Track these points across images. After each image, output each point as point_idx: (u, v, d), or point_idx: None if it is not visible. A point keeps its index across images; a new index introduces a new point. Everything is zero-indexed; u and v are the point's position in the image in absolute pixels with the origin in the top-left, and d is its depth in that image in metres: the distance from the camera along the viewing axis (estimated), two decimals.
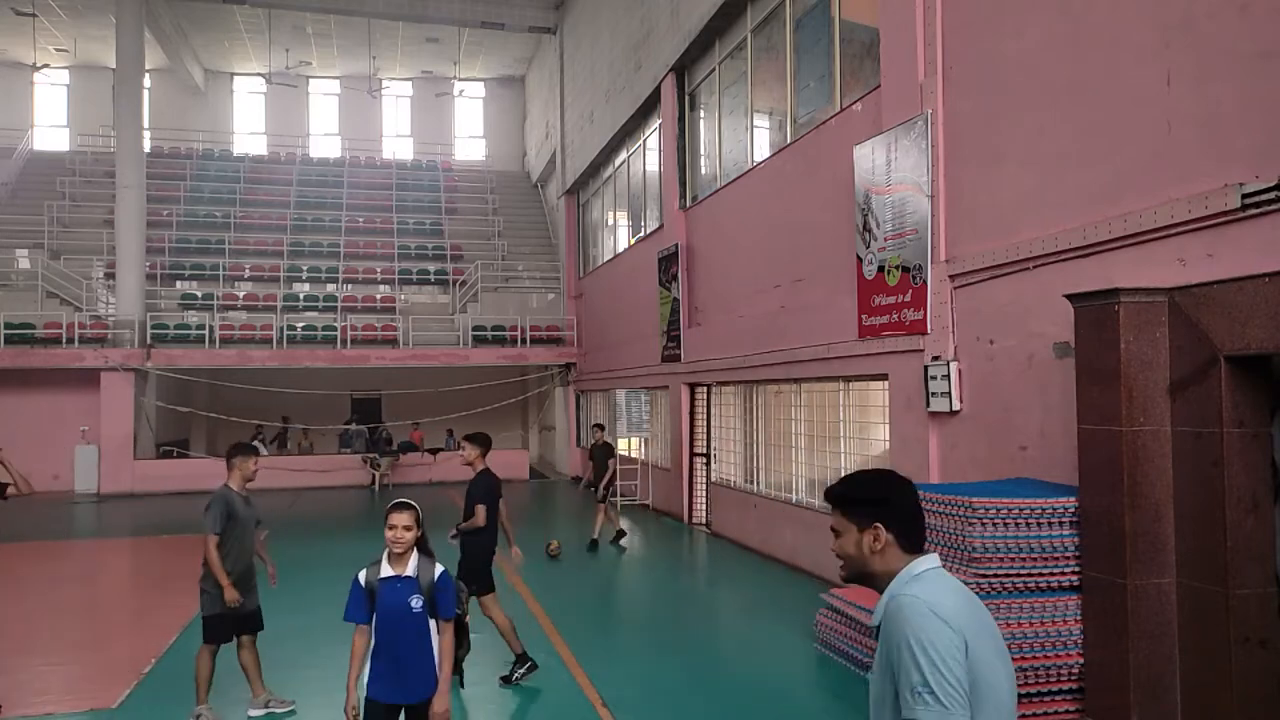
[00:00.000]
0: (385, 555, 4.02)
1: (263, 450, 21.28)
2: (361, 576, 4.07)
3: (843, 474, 9.63)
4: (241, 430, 22.03)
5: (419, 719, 3.94)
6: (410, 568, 3.98)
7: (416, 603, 3.93)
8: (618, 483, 12.67)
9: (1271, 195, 4.57)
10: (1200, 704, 4.78)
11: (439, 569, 4.00)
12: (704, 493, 13.91)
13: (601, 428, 13.00)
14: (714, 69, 13.54)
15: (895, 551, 2.12)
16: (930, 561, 2.12)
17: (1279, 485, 4.81)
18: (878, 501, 2.17)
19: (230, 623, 5.69)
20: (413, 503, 4.00)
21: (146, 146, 22.84)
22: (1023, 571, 5.42)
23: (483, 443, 6.68)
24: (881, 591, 2.14)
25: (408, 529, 3.94)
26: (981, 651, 1.94)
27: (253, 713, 5.84)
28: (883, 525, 2.13)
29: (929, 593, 1.99)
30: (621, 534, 12.60)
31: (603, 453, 12.52)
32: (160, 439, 20.94)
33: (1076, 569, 5.39)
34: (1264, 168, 4.65)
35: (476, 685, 6.54)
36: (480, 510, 6.46)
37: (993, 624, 2.06)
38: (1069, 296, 5.45)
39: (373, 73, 29.62)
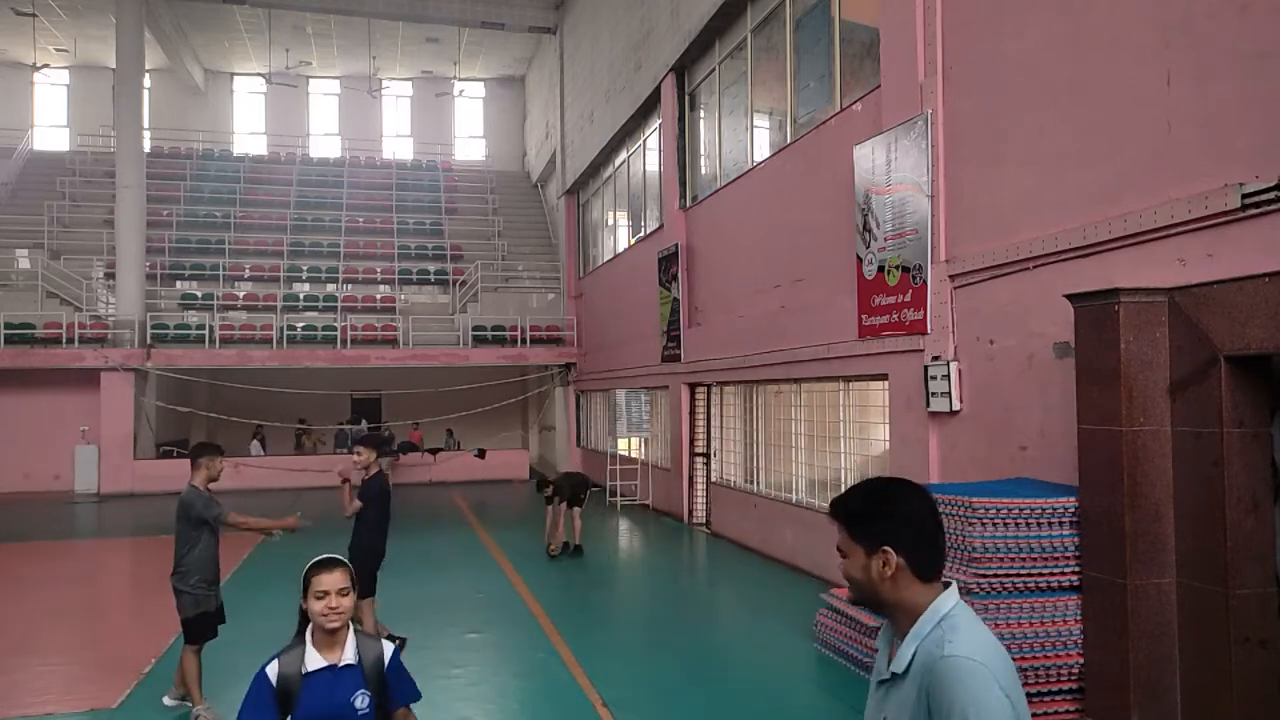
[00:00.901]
0: (309, 635, 2.89)
1: (259, 450, 21.29)
2: (272, 671, 2.81)
3: (843, 475, 9.70)
4: (241, 430, 22.06)
5: None
6: (349, 652, 2.86)
7: (362, 701, 2.81)
8: (584, 495, 11.91)
9: (1271, 195, 4.57)
10: (1200, 704, 4.78)
11: (386, 645, 2.97)
12: (704, 493, 13.91)
13: (546, 482, 11.96)
14: (714, 69, 13.54)
15: (908, 578, 1.87)
16: (953, 597, 1.89)
17: (1279, 485, 4.81)
18: (888, 518, 1.90)
19: (213, 620, 5.78)
20: (342, 559, 2.94)
21: (146, 146, 22.84)
22: (1023, 571, 5.42)
23: (376, 445, 7.11)
24: (893, 619, 1.93)
25: (343, 594, 2.84)
26: (1019, 702, 1.79)
27: (168, 701, 5.95)
28: (893, 549, 1.87)
29: (978, 650, 1.78)
30: (577, 548, 11.68)
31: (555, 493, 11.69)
32: (160, 439, 20.94)
33: (1076, 569, 5.39)
34: (1264, 168, 4.65)
35: (475, 685, 6.54)
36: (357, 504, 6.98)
37: (1013, 666, 1.88)
38: (1069, 296, 5.45)
39: (373, 73, 29.62)
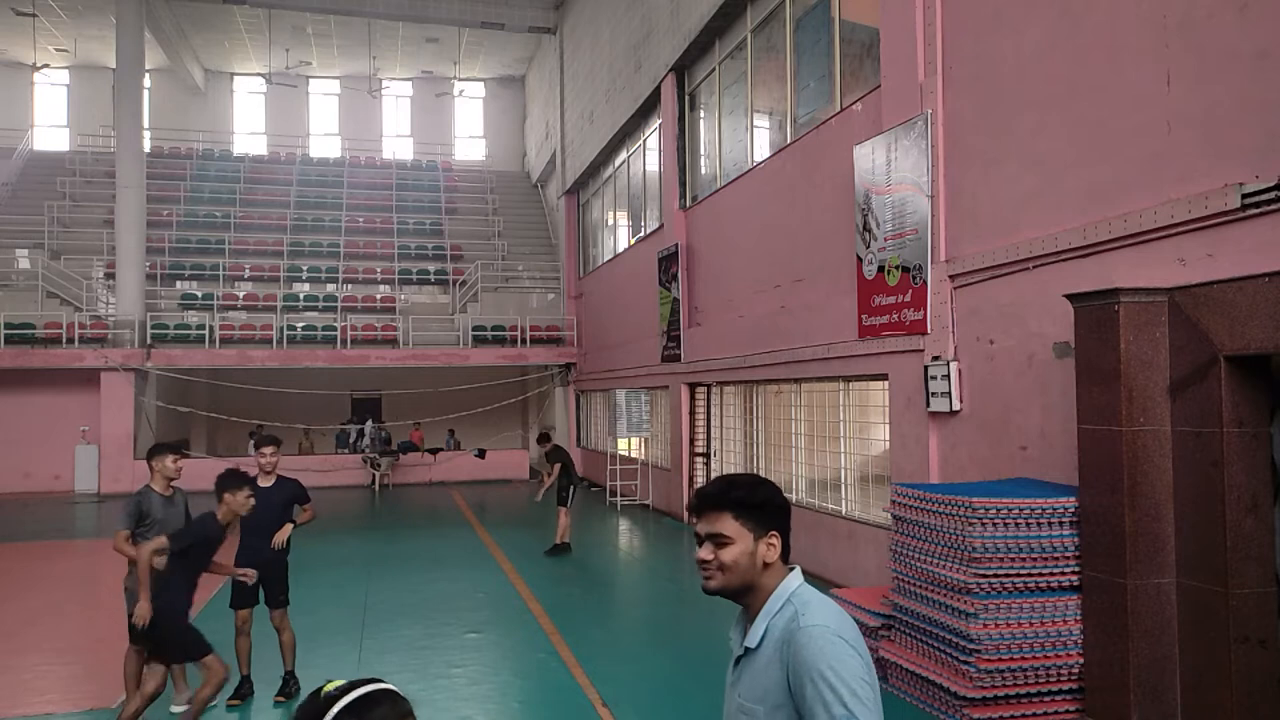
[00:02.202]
0: None
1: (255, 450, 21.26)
2: None
3: (843, 474, 9.70)
4: (242, 430, 22.06)
5: None
6: None
7: None
8: (575, 487, 11.95)
9: (1271, 195, 4.58)
10: (1200, 704, 4.79)
11: None
12: None
13: (547, 437, 12.34)
14: (714, 69, 13.54)
15: (779, 563, 2.03)
16: (799, 577, 2.04)
17: (1279, 485, 4.81)
18: (775, 505, 2.05)
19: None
20: None
21: (146, 146, 22.85)
22: (1023, 571, 5.42)
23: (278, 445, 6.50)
24: (748, 605, 2.04)
25: None
26: (872, 670, 1.93)
27: (175, 708, 5.84)
28: (779, 533, 2.03)
29: (828, 618, 1.92)
30: (565, 546, 11.67)
31: (555, 457, 11.92)
32: (160, 439, 20.91)
33: (1076, 569, 5.39)
34: (1264, 168, 4.65)
35: (476, 685, 6.54)
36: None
37: (861, 636, 2.00)
38: (1069, 296, 5.46)
39: (373, 73, 29.62)
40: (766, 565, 2.02)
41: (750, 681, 1.99)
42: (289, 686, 6.19)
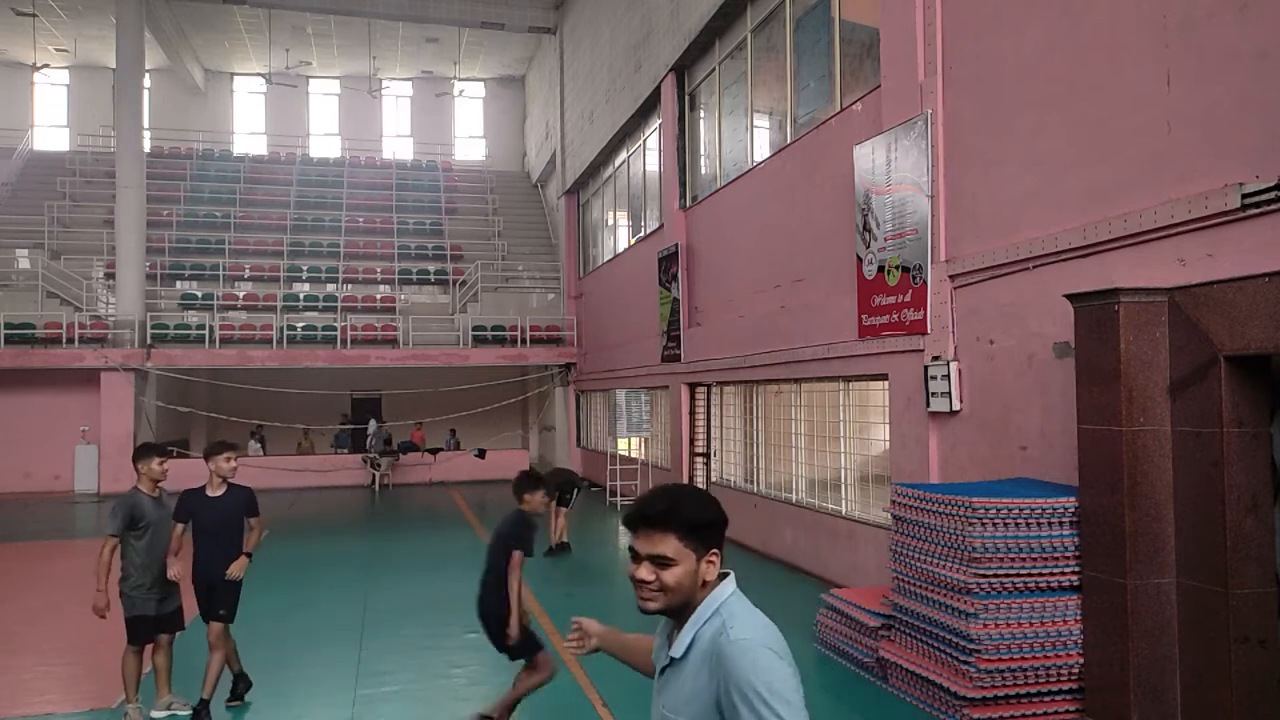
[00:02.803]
0: None
1: (253, 449, 21.26)
2: None
3: (843, 474, 9.69)
4: (242, 430, 22.06)
5: None
6: None
7: None
8: (572, 494, 11.93)
9: (1271, 195, 4.58)
10: (1200, 704, 4.79)
11: None
12: None
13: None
14: (714, 69, 13.54)
15: (717, 576, 1.97)
16: (730, 585, 1.98)
17: (1279, 485, 4.81)
18: (717, 523, 1.97)
19: (150, 624, 5.66)
20: None
21: (146, 146, 22.84)
22: (1023, 571, 5.42)
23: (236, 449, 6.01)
24: (681, 621, 1.96)
25: None
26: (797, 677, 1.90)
27: (155, 714, 5.80)
28: (719, 550, 1.96)
29: (755, 630, 1.88)
30: (564, 546, 11.77)
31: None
32: (160, 439, 20.93)
33: (1076, 569, 5.39)
34: (1264, 168, 4.65)
35: (476, 685, 6.54)
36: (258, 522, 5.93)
37: (786, 644, 1.96)
38: (1069, 296, 5.46)
39: (373, 73, 29.62)
40: (705, 583, 1.95)
41: (675, 691, 1.94)
42: (200, 716, 5.58)
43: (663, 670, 2.02)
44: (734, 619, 1.91)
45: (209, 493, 5.78)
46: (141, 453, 5.73)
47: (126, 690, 5.66)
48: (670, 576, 1.92)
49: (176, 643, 5.90)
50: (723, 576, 2.00)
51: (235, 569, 5.71)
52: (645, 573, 1.94)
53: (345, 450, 22.88)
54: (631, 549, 1.98)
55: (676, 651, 1.94)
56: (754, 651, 1.83)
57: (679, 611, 1.97)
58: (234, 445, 5.97)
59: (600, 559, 11.69)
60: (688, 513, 1.94)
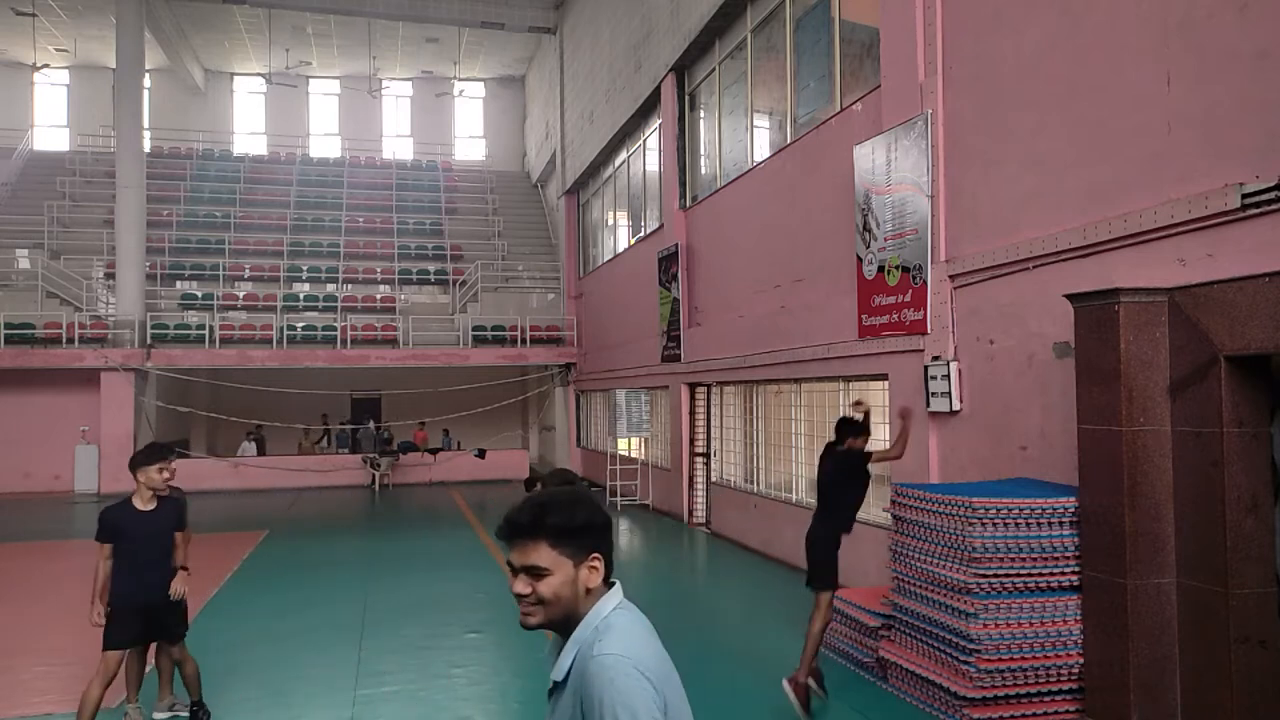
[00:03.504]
0: None
1: (243, 450, 21.26)
2: None
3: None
4: (243, 430, 22.06)
5: None
6: None
7: None
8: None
9: (1271, 195, 4.58)
10: (1200, 704, 4.78)
11: None
12: (704, 492, 13.91)
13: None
14: (714, 69, 13.54)
15: (601, 586, 1.86)
16: (616, 597, 1.87)
17: (1279, 485, 4.81)
18: (594, 526, 1.86)
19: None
20: None
21: (146, 146, 22.83)
22: (1023, 571, 5.42)
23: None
24: (569, 629, 1.86)
25: None
26: (673, 698, 1.80)
27: (157, 715, 5.78)
28: (601, 554, 1.85)
29: (629, 647, 1.77)
30: None
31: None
32: (160, 439, 20.94)
33: (1076, 569, 5.39)
34: (1264, 168, 4.65)
35: (476, 685, 6.54)
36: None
37: (671, 663, 1.88)
38: (1069, 296, 5.45)
39: (373, 73, 29.61)
40: (589, 591, 1.85)
41: (559, 717, 1.84)
42: (198, 716, 5.56)
43: (550, 694, 1.91)
44: (608, 632, 1.80)
45: (138, 507, 5.29)
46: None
47: (128, 690, 5.67)
48: (546, 588, 1.82)
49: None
50: (611, 586, 1.90)
51: (178, 586, 5.33)
52: (521, 586, 1.84)
53: (328, 448, 23.02)
54: (509, 563, 1.89)
55: (558, 675, 1.84)
56: (617, 668, 1.72)
57: (564, 625, 1.86)
58: (166, 452, 5.40)
59: None
60: (556, 518, 1.84)
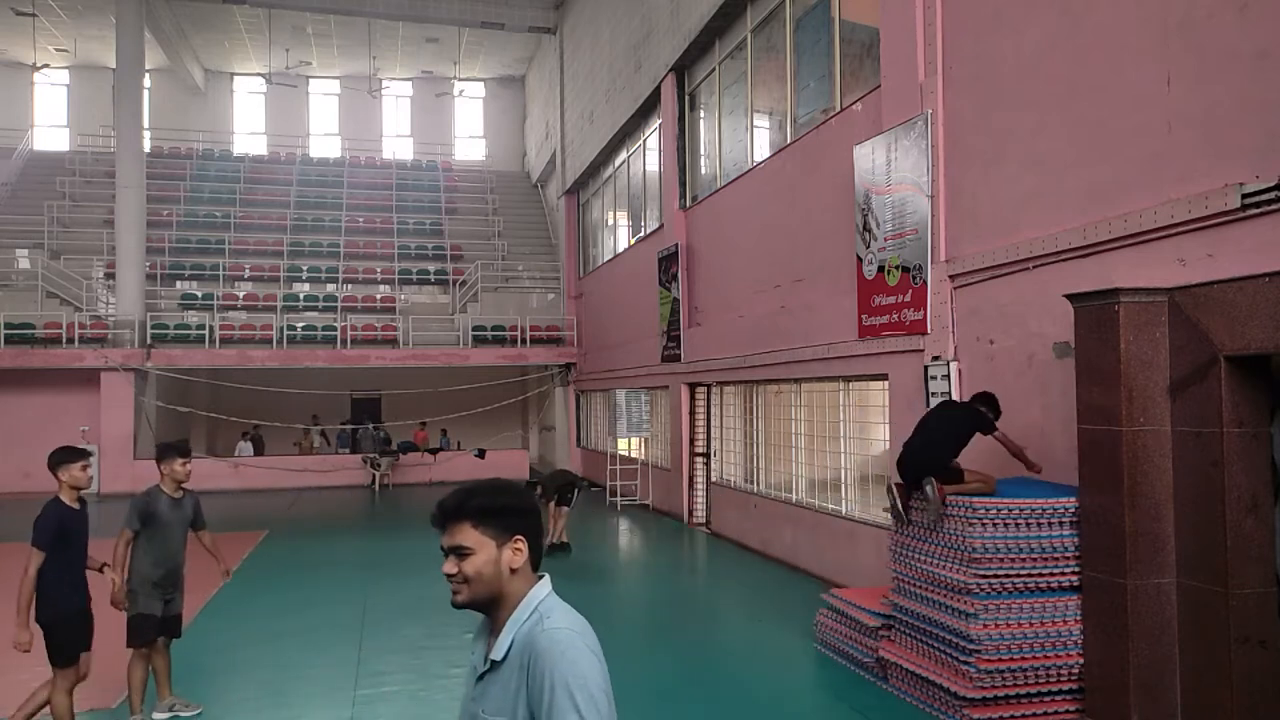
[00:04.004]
0: None
1: (240, 450, 21.25)
2: None
3: (843, 474, 9.69)
4: (240, 430, 22.05)
5: None
6: None
7: None
8: (571, 495, 11.91)
9: (1271, 195, 4.58)
10: (1200, 704, 4.78)
11: None
12: (704, 493, 13.91)
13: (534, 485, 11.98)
14: (714, 69, 13.54)
15: (527, 569, 2.00)
16: (547, 586, 2.02)
17: (1279, 485, 4.81)
18: (519, 510, 2.01)
19: (155, 624, 5.63)
20: None
21: (146, 146, 22.83)
22: (1023, 571, 5.42)
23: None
24: (496, 613, 1.98)
25: None
26: (607, 680, 1.92)
27: (158, 715, 5.80)
28: (525, 538, 1.99)
29: (576, 624, 1.92)
30: (564, 546, 11.67)
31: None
32: (160, 439, 20.91)
33: (1076, 569, 5.39)
34: (1264, 168, 4.65)
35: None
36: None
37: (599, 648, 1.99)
38: (1069, 296, 5.45)
39: (373, 73, 29.61)
40: (514, 571, 1.98)
41: (497, 696, 1.93)
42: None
43: (481, 676, 2.00)
44: (551, 613, 1.94)
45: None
46: (165, 453, 5.68)
47: (132, 700, 5.66)
48: (470, 566, 1.95)
49: (178, 643, 5.90)
50: (540, 579, 2.03)
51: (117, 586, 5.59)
52: (449, 566, 1.97)
53: (325, 448, 23.04)
54: (440, 547, 2.02)
55: (497, 654, 1.94)
56: (569, 644, 1.86)
57: (487, 604, 1.98)
58: (84, 451, 5.51)
59: (600, 559, 11.69)
60: (479, 500, 1.98)
